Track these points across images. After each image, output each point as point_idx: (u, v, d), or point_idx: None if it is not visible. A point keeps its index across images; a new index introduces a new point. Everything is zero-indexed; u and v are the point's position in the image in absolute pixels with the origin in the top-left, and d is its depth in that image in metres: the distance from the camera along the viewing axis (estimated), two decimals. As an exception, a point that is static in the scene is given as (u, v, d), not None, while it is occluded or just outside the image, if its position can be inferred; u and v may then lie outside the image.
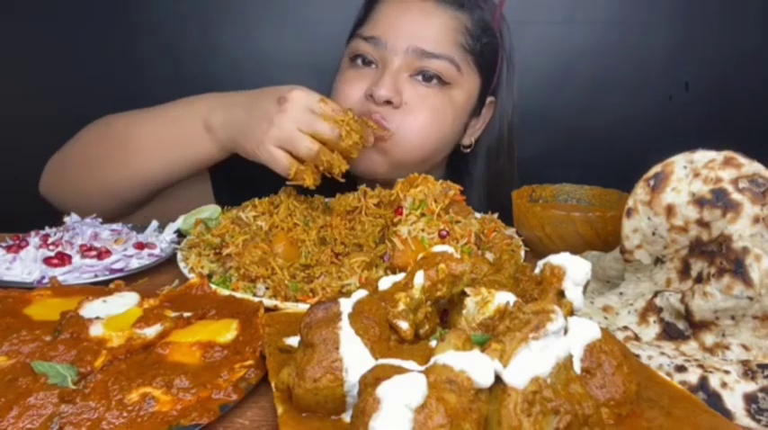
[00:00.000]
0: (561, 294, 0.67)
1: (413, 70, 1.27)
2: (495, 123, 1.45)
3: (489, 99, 1.42)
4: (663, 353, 0.71)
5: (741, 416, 0.63)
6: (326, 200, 1.17)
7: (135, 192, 1.29)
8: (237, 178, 1.35)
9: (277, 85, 1.17)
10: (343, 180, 1.12)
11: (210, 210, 1.16)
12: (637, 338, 0.76)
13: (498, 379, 0.48)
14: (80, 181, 1.31)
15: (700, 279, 0.77)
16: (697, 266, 0.78)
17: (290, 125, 1.07)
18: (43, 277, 0.95)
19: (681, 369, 0.68)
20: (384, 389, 0.45)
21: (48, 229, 1.09)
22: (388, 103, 1.24)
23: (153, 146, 1.24)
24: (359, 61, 1.30)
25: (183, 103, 1.27)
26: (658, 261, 0.83)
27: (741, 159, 0.79)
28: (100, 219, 1.17)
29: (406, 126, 1.25)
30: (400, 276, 0.70)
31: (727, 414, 0.63)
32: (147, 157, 1.25)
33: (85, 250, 1.01)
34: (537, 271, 0.71)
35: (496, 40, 1.37)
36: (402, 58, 1.26)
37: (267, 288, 0.90)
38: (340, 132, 1.08)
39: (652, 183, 0.82)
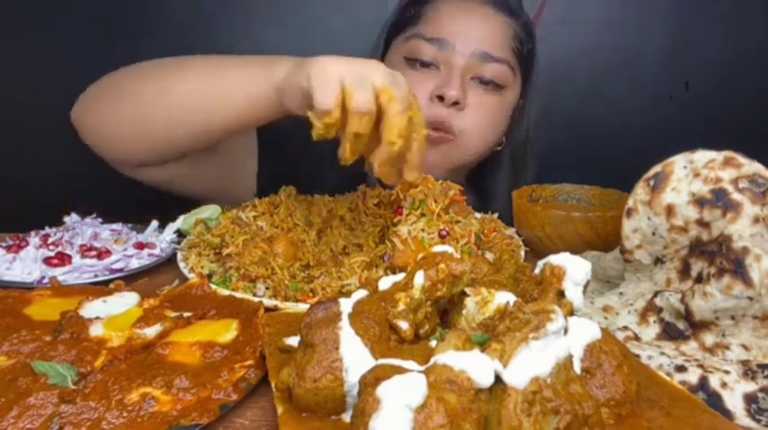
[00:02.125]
0: (561, 294, 0.67)
1: (474, 73, 1.30)
2: (522, 125, 1.48)
3: (519, 101, 1.45)
4: (663, 353, 0.71)
5: (741, 416, 0.63)
6: (327, 199, 1.17)
7: (170, 131, 1.08)
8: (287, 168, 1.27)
9: None
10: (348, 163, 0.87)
11: (210, 211, 1.16)
12: (637, 338, 0.76)
13: (498, 379, 0.48)
14: (119, 106, 1.11)
15: (700, 279, 0.77)
16: (697, 266, 0.78)
17: (370, 71, 0.85)
18: (43, 277, 0.95)
19: (681, 369, 0.68)
20: (384, 389, 0.45)
21: (48, 229, 1.09)
22: (456, 104, 1.27)
23: (203, 74, 1.05)
24: (417, 63, 1.31)
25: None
26: (658, 261, 0.83)
27: (741, 159, 0.79)
28: (100, 220, 1.17)
29: (468, 129, 1.29)
30: (400, 276, 0.70)
31: (727, 414, 0.63)
32: (193, 85, 1.05)
33: (85, 250, 1.01)
34: (537, 271, 0.71)
35: (535, 44, 1.42)
36: (467, 61, 1.28)
37: (267, 288, 0.90)
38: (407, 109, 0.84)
39: (652, 183, 0.82)
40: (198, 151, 1.15)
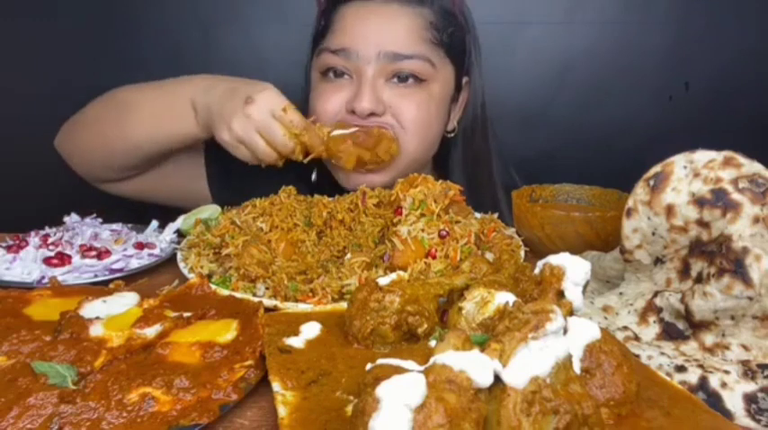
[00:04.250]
0: (561, 294, 0.67)
1: (388, 74, 1.26)
2: (469, 104, 1.45)
3: (464, 80, 1.42)
4: (663, 353, 0.71)
5: (741, 417, 0.63)
6: (327, 200, 1.17)
7: (128, 156, 1.34)
8: (234, 176, 1.39)
9: (259, 81, 1.21)
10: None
11: (210, 211, 1.16)
12: (637, 338, 0.76)
13: (498, 379, 0.48)
14: (84, 138, 1.39)
15: (700, 279, 0.77)
16: (697, 266, 0.78)
17: (250, 127, 1.15)
18: (43, 277, 0.95)
19: (681, 369, 0.68)
20: (383, 389, 0.45)
21: (48, 229, 1.09)
22: (372, 114, 1.24)
23: (146, 114, 1.29)
24: (330, 74, 1.29)
25: (180, 79, 1.32)
26: (658, 261, 0.83)
27: (741, 159, 0.79)
28: (100, 220, 1.17)
29: (398, 126, 1.27)
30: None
31: (727, 414, 0.63)
32: (139, 123, 1.29)
33: (85, 250, 1.01)
34: (537, 271, 0.71)
35: (461, 25, 1.37)
36: (375, 65, 1.25)
37: (267, 288, 0.90)
38: (293, 148, 1.18)
39: (652, 183, 0.82)
40: (149, 167, 1.39)
